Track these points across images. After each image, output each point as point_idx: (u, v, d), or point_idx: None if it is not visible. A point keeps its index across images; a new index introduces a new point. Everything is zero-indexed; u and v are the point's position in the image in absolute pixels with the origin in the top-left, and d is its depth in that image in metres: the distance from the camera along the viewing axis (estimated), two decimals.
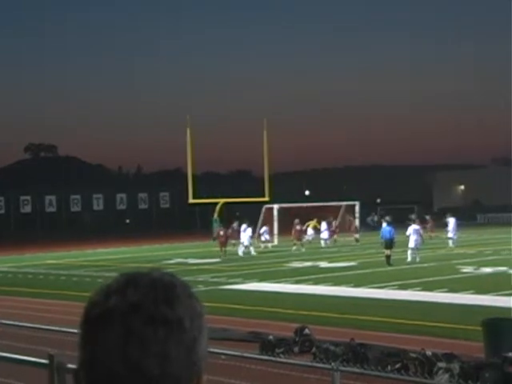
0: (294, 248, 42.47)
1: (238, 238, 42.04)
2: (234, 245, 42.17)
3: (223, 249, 39.52)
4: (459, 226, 43.35)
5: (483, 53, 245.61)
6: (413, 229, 33.39)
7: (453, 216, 41.58)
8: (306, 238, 46.33)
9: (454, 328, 15.60)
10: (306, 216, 47.29)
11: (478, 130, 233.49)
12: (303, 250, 42.06)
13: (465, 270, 27.67)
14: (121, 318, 1.23)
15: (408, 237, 32.86)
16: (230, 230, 42.61)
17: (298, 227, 44.04)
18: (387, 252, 31.01)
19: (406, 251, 32.39)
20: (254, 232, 43.74)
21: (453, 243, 40.08)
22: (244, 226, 41.57)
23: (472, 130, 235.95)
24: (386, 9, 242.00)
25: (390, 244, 31.35)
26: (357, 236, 48.15)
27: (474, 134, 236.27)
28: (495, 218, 79.31)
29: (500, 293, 20.89)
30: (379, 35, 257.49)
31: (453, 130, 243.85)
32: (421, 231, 33.98)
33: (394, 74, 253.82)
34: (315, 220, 48.21)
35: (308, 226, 47.40)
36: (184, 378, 1.25)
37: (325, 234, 45.94)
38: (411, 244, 32.59)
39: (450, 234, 40.67)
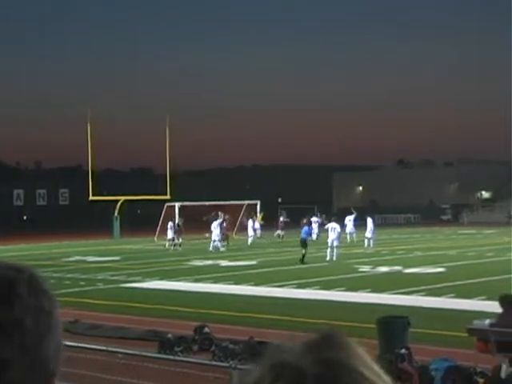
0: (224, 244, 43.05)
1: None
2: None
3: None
4: (357, 226, 44.36)
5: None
6: (331, 227, 33.88)
7: (370, 216, 42.53)
8: (256, 232, 46.47)
9: (350, 326, 15.93)
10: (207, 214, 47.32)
11: (384, 132, 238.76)
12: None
13: (362, 269, 28.29)
14: None
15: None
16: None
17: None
18: (302, 251, 31.45)
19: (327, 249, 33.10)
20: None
21: (368, 243, 40.55)
22: (216, 222, 41.45)
23: (376, 133, 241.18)
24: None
25: (303, 243, 31.82)
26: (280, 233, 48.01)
27: (378, 136, 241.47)
28: (391, 218, 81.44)
29: (395, 291, 21.50)
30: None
31: (356, 132, 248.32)
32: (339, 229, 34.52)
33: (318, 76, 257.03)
34: (262, 214, 49.13)
35: (255, 221, 47.51)
36: (29, 382, 1.15)
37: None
38: (330, 242, 33.14)
39: (367, 234, 41.11)
